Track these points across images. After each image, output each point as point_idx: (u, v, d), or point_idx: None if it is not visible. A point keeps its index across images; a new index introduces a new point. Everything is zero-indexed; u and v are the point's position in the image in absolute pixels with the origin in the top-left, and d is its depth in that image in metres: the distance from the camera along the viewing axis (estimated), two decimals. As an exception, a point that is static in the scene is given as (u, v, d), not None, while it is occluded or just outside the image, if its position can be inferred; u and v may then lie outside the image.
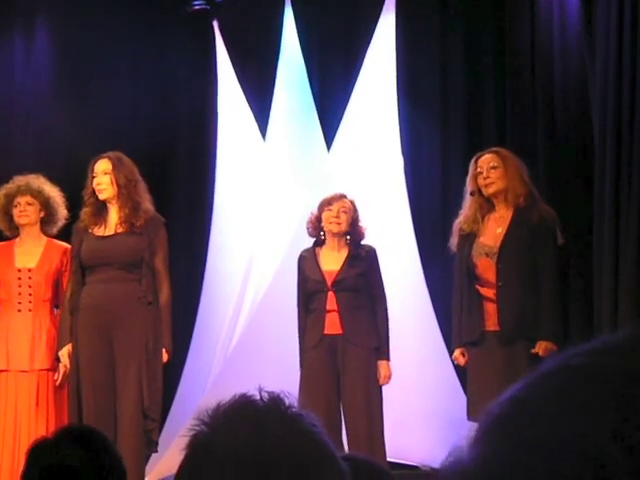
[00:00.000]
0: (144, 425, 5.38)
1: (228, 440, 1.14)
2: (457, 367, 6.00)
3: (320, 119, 7.30)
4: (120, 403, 5.36)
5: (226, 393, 1.21)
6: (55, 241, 5.95)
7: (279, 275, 6.52)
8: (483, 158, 5.50)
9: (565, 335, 5.53)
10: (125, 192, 5.52)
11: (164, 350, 5.48)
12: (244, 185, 7.40)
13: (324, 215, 5.71)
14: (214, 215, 7.46)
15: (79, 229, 5.61)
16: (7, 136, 7.42)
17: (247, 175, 7.41)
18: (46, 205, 5.93)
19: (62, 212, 5.97)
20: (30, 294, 5.82)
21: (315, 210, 5.78)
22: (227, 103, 7.60)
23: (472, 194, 5.49)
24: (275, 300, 6.47)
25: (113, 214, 5.56)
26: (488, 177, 5.42)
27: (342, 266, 5.65)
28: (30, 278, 5.83)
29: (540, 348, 5.15)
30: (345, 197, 5.76)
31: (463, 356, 5.45)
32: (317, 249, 5.76)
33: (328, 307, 5.59)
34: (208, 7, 7.67)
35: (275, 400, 1.18)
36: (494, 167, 5.43)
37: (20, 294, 5.82)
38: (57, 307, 5.84)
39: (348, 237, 5.72)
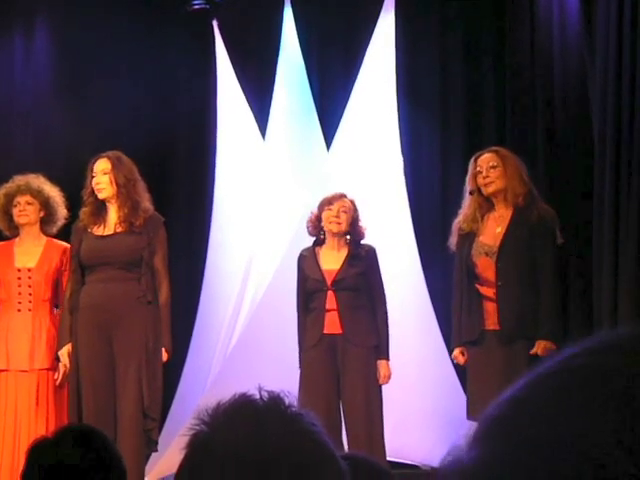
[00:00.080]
0: (144, 424, 5.37)
1: (228, 439, 1.14)
2: (457, 366, 6.01)
3: (320, 119, 7.30)
4: (120, 402, 5.36)
5: (226, 392, 1.21)
6: (55, 241, 5.95)
7: (279, 274, 6.52)
8: (482, 157, 5.50)
9: (565, 334, 5.53)
10: (124, 191, 5.51)
11: (164, 349, 5.48)
12: (244, 184, 7.40)
13: (324, 214, 5.71)
14: (214, 214, 7.46)
15: (78, 228, 5.60)
16: (7, 136, 7.42)
17: (247, 174, 7.41)
18: (46, 205, 5.93)
19: (62, 212, 5.97)
20: (30, 294, 5.82)
21: (315, 209, 5.78)
22: (227, 103, 7.59)
23: (471, 193, 5.50)
24: (275, 299, 6.47)
25: (112, 213, 5.56)
26: (487, 176, 5.42)
27: (342, 265, 5.65)
28: (30, 278, 5.83)
29: (539, 347, 5.15)
30: (345, 197, 5.76)
31: (463, 355, 5.45)
32: (317, 248, 5.76)
33: (328, 306, 5.59)
34: (208, 7, 7.67)
35: (275, 399, 1.18)
36: (493, 166, 5.43)
37: (20, 294, 5.82)
38: (57, 307, 5.84)
39: (348, 237, 5.72)
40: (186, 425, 1.23)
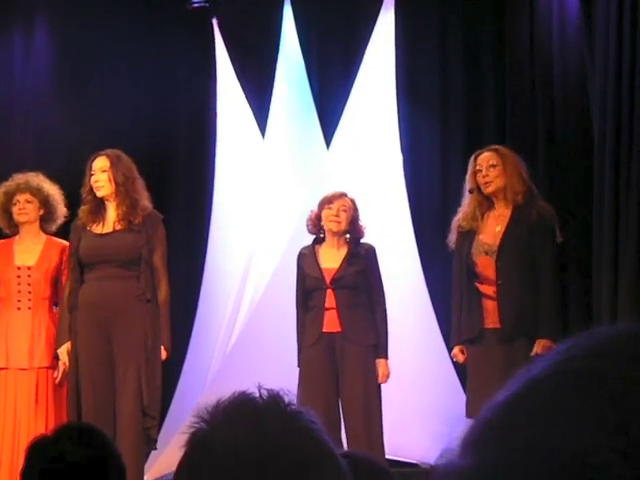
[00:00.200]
0: (143, 423, 5.38)
1: (227, 437, 1.14)
2: (456, 365, 6.01)
3: (319, 117, 7.30)
4: (119, 401, 5.36)
5: (225, 390, 1.21)
6: (54, 239, 5.95)
7: (278, 273, 6.52)
8: (482, 156, 5.50)
9: (564, 333, 5.53)
10: (123, 189, 5.51)
11: (163, 347, 5.48)
12: (243, 183, 7.40)
13: (324, 213, 5.71)
14: (213, 213, 7.46)
15: (77, 227, 5.60)
16: (6, 134, 7.42)
17: (246, 173, 7.41)
18: (45, 203, 5.92)
19: (61, 210, 5.97)
20: (29, 292, 5.82)
21: (315, 208, 5.78)
22: (226, 101, 7.59)
23: (471, 192, 5.50)
24: (274, 298, 6.47)
25: (111, 211, 5.56)
26: (487, 175, 5.43)
27: (341, 264, 5.65)
28: (29, 276, 5.83)
29: (539, 346, 5.15)
30: (345, 195, 5.76)
31: (462, 353, 5.45)
32: (316, 247, 5.76)
33: (327, 305, 5.59)
34: (207, 5, 7.67)
35: (274, 398, 1.18)
36: (493, 165, 5.43)
37: (19, 292, 5.82)
38: (56, 305, 5.84)
39: (348, 235, 5.72)
40: (185, 423, 1.23)
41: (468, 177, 5.52)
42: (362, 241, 5.75)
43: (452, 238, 5.56)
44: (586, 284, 6.12)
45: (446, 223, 5.84)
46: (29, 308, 5.80)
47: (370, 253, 5.69)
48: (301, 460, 1.13)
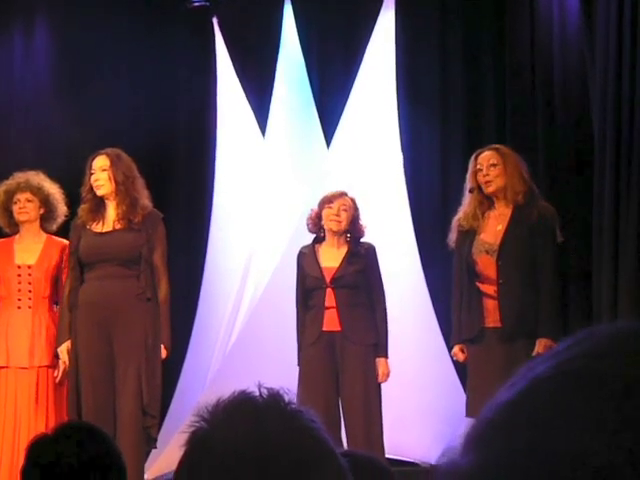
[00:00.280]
0: (143, 422, 5.37)
1: (228, 436, 1.14)
2: (456, 364, 6.01)
3: (320, 116, 7.30)
4: (119, 400, 5.36)
5: (225, 389, 1.21)
6: (55, 238, 5.95)
7: (278, 272, 6.52)
8: (483, 155, 5.50)
9: (564, 333, 5.53)
10: (123, 188, 5.51)
11: (163, 346, 5.47)
12: (244, 182, 7.41)
13: (324, 212, 5.71)
14: (214, 212, 7.46)
15: (77, 225, 5.60)
16: (6, 133, 7.42)
17: (247, 172, 7.41)
18: (46, 202, 5.92)
19: (62, 209, 5.97)
20: (30, 291, 5.82)
21: (315, 207, 5.78)
22: (227, 100, 7.59)
23: (471, 191, 5.50)
24: (274, 297, 6.47)
25: (111, 210, 5.56)
26: (488, 174, 5.43)
27: (341, 263, 5.65)
28: (30, 275, 5.84)
29: (540, 346, 5.15)
30: (346, 195, 5.76)
31: (462, 352, 5.45)
32: (317, 246, 5.76)
33: (327, 304, 5.59)
34: (208, 4, 7.67)
35: (274, 396, 1.18)
36: (494, 164, 5.43)
37: (20, 291, 5.82)
38: (57, 304, 5.84)
39: (348, 235, 5.72)
40: (186, 422, 1.23)
41: (469, 176, 5.52)
42: (362, 240, 5.75)
43: (452, 237, 5.56)
44: (586, 284, 6.12)
45: (446, 222, 5.85)
46: (29, 307, 5.80)
47: (370, 252, 5.69)
48: (301, 459, 1.13)
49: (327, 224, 5.70)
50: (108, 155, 5.56)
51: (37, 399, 5.69)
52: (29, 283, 5.83)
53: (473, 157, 5.55)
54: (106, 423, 5.06)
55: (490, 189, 5.44)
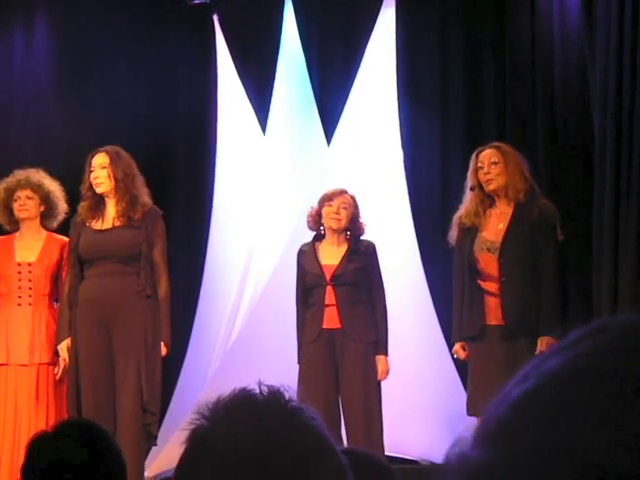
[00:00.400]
0: (143, 419, 5.38)
1: (228, 434, 1.14)
2: (456, 362, 6.01)
3: (320, 113, 7.30)
4: (119, 397, 5.36)
5: (226, 387, 1.21)
6: (55, 235, 5.95)
7: (279, 269, 6.52)
8: (484, 153, 5.50)
9: (566, 332, 5.52)
10: (122, 186, 5.51)
11: (163, 344, 5.47)
12: (244, 179, 7.41)
13: (324, 210, 5.71)
14: (214, 209, 7.46)
15: (77, 223, 5.60)
16: (6, 131, 7.42)
17: (247, 169, 7.41)
18: (46, 199, 5.93)
19: (62, 206, 5.97)
20: (30, 288, 5.82)
21: (316, 204, 5.78)
22: (227, 97, 7.59)
23: (472, 189, 5.50)
24: (275, 294, 6.48)
25: (110, 208, 5.56)
26: (489, 172, 5.42)
27: (341, 260, 5.65)
28: (30, 272, 5.84)
29: (542, 344, 5.15)
30: (346, 192, 5.75)
31: (464, 350, 5.45)
32: (317, 243, 5.76)
33: (327, 301, 5.59)
34: (208, 1, 7.67)
35: (275, 394, 1.18)
36: (495, 162, 5.43)
37: (20, 288, 5.82)
38: (57, 301, 5.84)
39: (348, 232, 5.72)
40: (186, 420, 1.23)
41: (469, 174, 5.52)
42: (362, 238, 5.75)
43: (453, 234, 5.56)
44: (586, 284, 6.12)
45: (446, 220, 5.85)
46: (29, 304, 5.80)
47: (370, 250, 5.69)
48: (302, 456, 1.13)
49: (327, 222, 5.70)
50: (107, 153, 5.56)
51: (37, 396, 5.69)
52: (29, 280, 5.83)
53: (474, 155, 5.54)
54: (106, 420, 5.06)
55: (491, 187, 5.43)
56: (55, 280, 5.85)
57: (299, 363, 5.65)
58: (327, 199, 5.71)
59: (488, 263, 5.38)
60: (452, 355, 5.72)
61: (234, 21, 7.63)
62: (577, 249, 6.26)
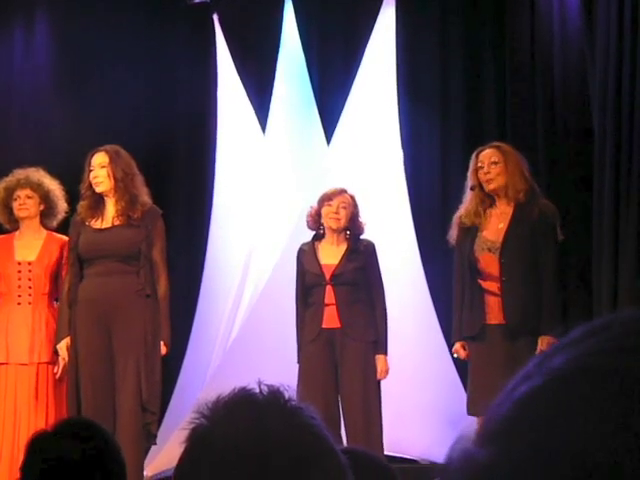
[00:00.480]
0: (143, 418, 5.37)
1: (228, 433, 1.14)
2: (456, 361, 6.01)
3: (320, 113, 7.30)
4: (119, 396, 5.36)
5: (225, 386, 1.21)
6: (55, 234, 5.95)
7: (278, 268, 6.52)
8: (484, 153, 5.50)
9: (566, 331, 5.52)
10: (122, 185, 5.51)
11: (162, 343, 5.47)
12: (244, 179, 7.41)
13: (324, 210, 5.71)
14: (214, 208, 7.46)
15: (76, 222, 5.61)
16: (6, 130, 7.42)
17: (247, 169, 7.42)
18: (46, 198, 5.93)
19: (62, 205, 5.97)
20: (30, 287, 5.82)
21: (315, 204, 5.78)
22: (227, 97, 7.59)
23: (472, 189, 5.50)
24: (274, 293, 6.48)
25: (110, 207, 5.56)
26: (489, 172, 5.43)
27: (341, 260, 5.65)
28: (30, 271, 5.84)
29: (543, 343, 5.15)
30: (345, 192, 5.76)
31: (464, 349, 5.45)
32: (316, 243, 5.77)
33: (326, 301, 5.60)
34: (208, 1, 7.67)
35: (274, 393, 1.18)
36: (495, 162, 5.43)
37: (20, 287, 5.83)
38: (57, 300, 5.84)
39: (347, 232, 5.72)
40: (186, 419, 1.23)
41: (470, 174, 5.52)
42: (362, 237, 5.75)
43: (453, 234, 5.56)
44: (586, 284, 6.12)
45: (446, 219, 5.85)
46: (29, 303, 5.81)
47: (370, 249, 5.70)
48: (301, 456, 1.13)
49: (326, 222, 5.70)
50: (107, 152, 5.56)
51: (37, 395, 5.69)
52: (29, 279, 5.83)
53: (474, 155, 5.54)
54: (106, 419, 5.06)
55: (491, 187, 5.44)
56: (55, 279, 5.85)
57: (299, 362, 5.65)
58: (326, 199, 5.71)
59: (489, 263, 5.38)
60: (452, 355, 5.72)
61: (234, 21, 7.63)
62: (577, 249, 6.26)
